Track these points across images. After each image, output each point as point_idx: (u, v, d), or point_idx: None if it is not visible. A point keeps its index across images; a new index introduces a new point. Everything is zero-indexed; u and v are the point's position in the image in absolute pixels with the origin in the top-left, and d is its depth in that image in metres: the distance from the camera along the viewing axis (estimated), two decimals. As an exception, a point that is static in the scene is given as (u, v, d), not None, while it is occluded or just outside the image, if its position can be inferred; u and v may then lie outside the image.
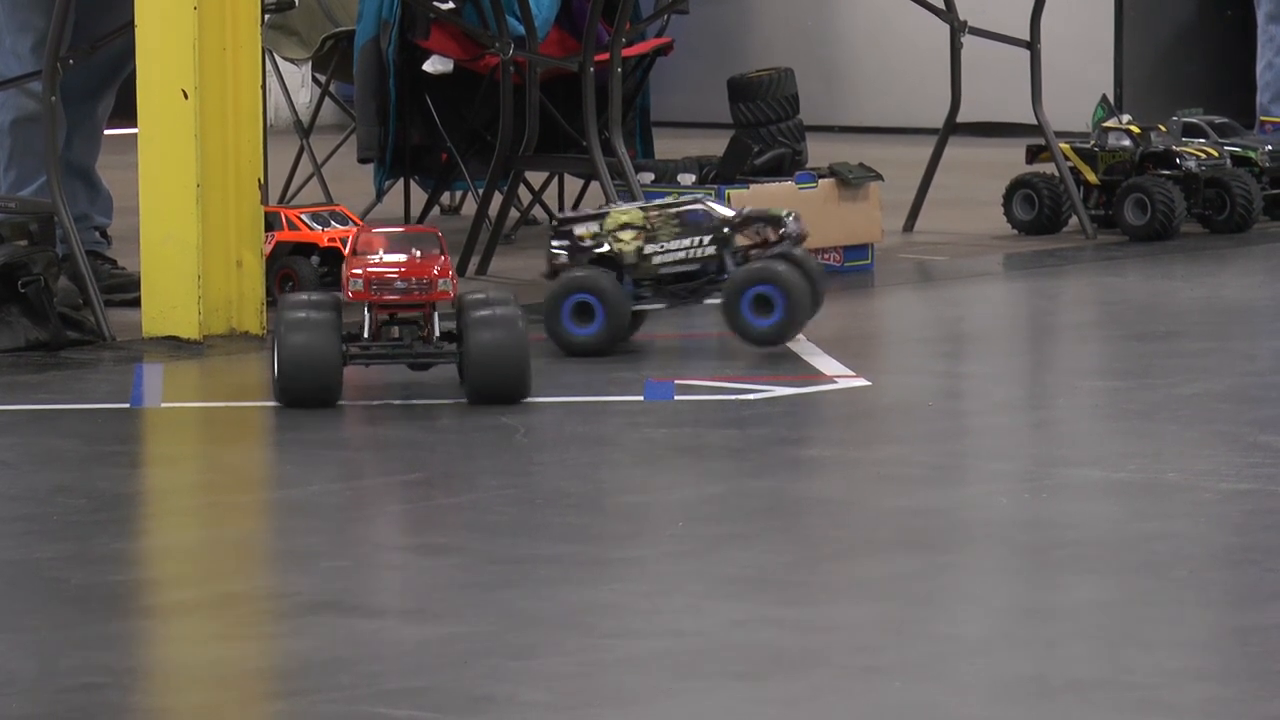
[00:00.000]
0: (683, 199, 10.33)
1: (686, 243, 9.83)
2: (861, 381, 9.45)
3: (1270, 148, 12.62)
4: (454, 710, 5.52)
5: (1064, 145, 12.48)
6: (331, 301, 7.02)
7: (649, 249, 9.80)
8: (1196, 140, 12.47)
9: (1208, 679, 5.83)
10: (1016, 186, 12.58)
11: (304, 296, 7.03)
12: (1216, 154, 12.38)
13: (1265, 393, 9.85)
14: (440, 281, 6.52)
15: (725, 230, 9.94)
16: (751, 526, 7.84)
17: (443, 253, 6.79)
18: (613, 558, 7.18)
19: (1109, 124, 12.66)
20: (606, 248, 9.73)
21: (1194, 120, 12.83)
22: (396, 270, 6.59)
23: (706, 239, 9.87)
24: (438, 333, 6.60)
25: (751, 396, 9.26)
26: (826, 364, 9.58)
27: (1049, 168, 12.55)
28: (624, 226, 9.78)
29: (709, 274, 9.96)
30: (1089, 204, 12.34)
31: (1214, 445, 9.12)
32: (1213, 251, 12.09)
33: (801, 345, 9.88)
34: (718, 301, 9.87)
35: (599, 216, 9.93)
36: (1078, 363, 11.07)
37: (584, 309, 9.43)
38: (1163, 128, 12.59)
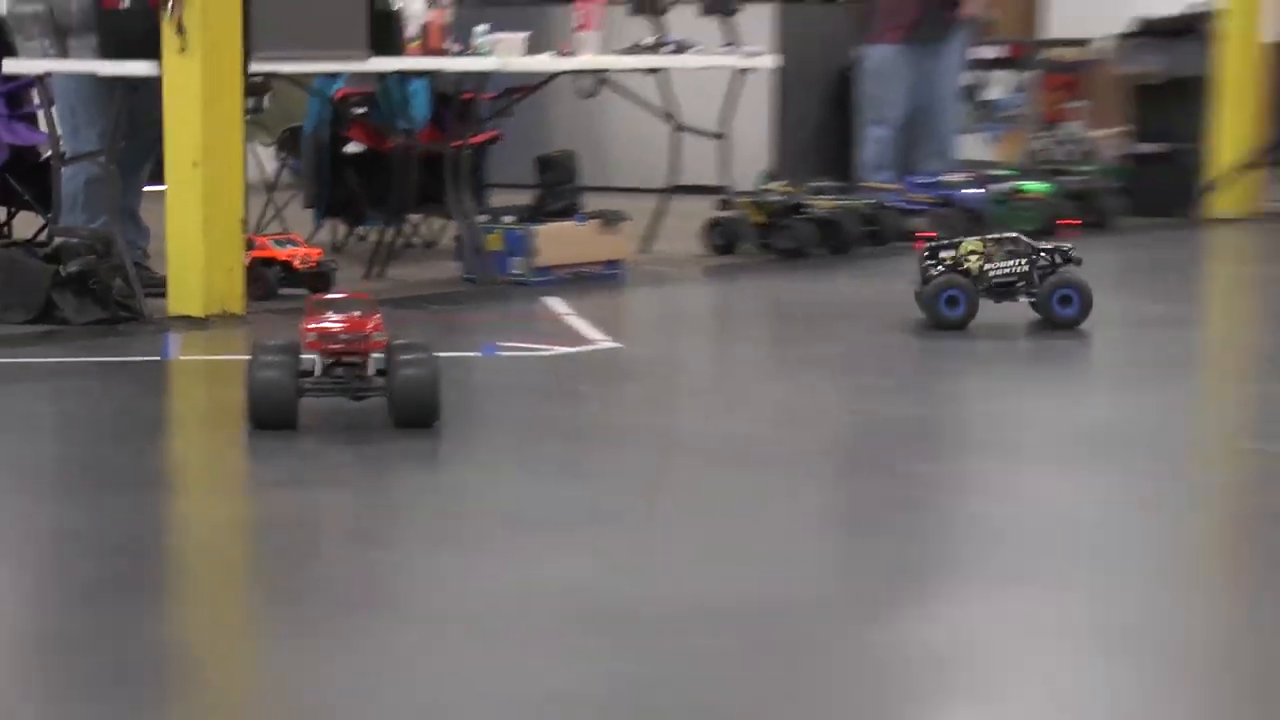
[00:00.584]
0: (1005, 235, 10.57)
1: (1010, 263, 10.16)
2: (616, 345, 9.48)
3: (869, 201, 12.70)
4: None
5: (742, 199, 12.50)
6: (291, 348, 6.81)
7: (987, 266, 10.17)
8: (822, 196, 12.53)
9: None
10: (712, 224, 12.61)
11: (270, 343, 6.90)
12: (834, 205, 12.45)
13: (868, 353, 9.88)
14: (374, 334, 6.51)
15: (1033, 254, 10.19)
16: (544, 434, 7.92)
17: (376, 312, 6.68)
18: (455, 451, 7.24)
19: (768, 186, 12.72)
20: (962, 265, 10.13)
21: (820, 184, 12.90)
22: (340, 326, 6.53)
23: (1023, 260, 10.13)
24: (372, 372, 6.54)
25: (546, 354, 9.26)
26: (594, 333, 9.60)
27: (734, 212, 12.62)
28: (971, 251, 10.20)
29: (1023, 281, 10.17)
30: (756, 236, 12.36)
31: (833, 379, 9.18)
32: (832, 266, 12.10)
33: (576, 321, 9.89)
34: (1030, 300, 10.13)
35: (955, 245, 10.32)
36: (750, 333, 11.05)
37: (952, 300, 10.02)
38: (799, 189, 12.66)
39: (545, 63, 11.91)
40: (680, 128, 12.58)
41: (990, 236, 10.66)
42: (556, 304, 10.49)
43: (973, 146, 15.35)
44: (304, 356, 6.79)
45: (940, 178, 13.50)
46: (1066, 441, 7.63)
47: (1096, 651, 4.92)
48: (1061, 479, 6.92)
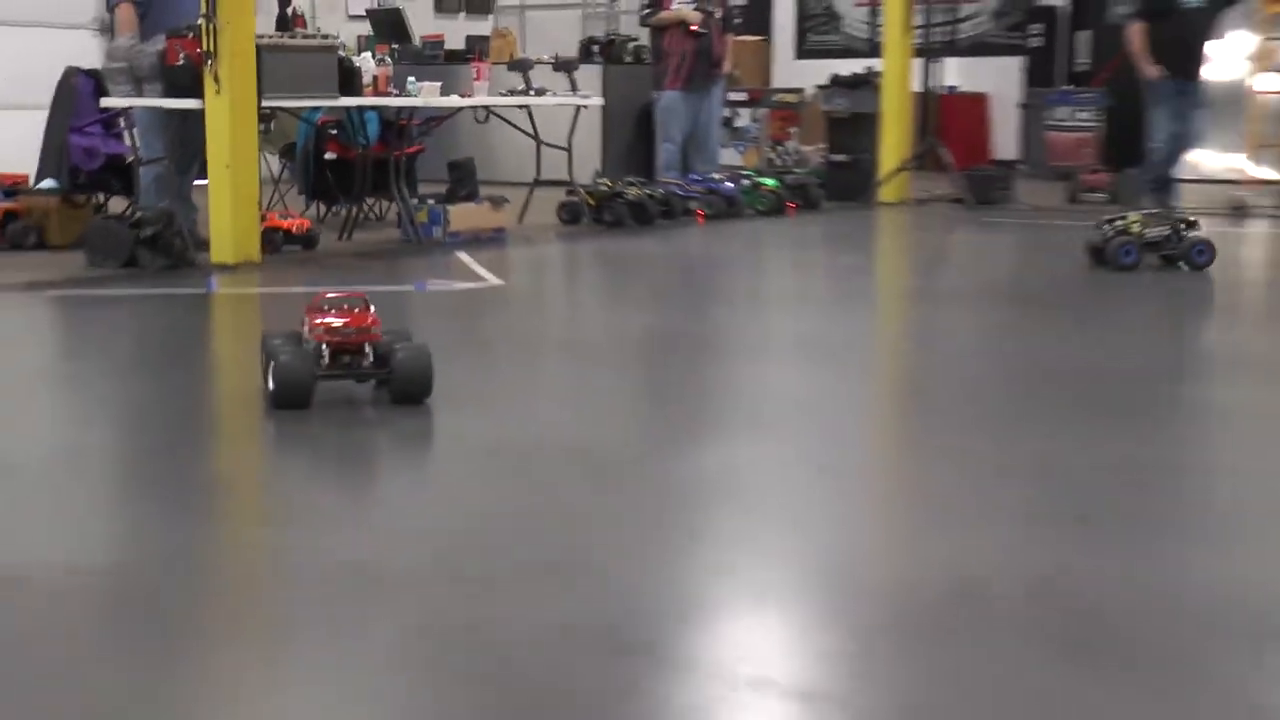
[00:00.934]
0: (1157, 211, 10.62)
1: (1160, 228, 9.90)
2: (501, 282, 9.47)
3: (663, 191, 12.64)
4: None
5: (581, 189, 12.42)
6: (295, 337, 5.77)
7: (1145, 230, 9.86)
8: (633, 187, 12.46)
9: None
10: (562, 205, 12.49)
11: (277, 335, 5.83)
12: (640, 193, 12.37)
13: (664, 287, 9.89)
14: (373, 329, 5.61)
15: (1175, 224, 9.97)
16: (459, 338, 7.92)
17: (370, 308, 5.75)
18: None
19: (598, 181, 12.68)
20: (1130, 230, 9.83)
21: (631, 180, 12.83)
22: (344, 321, 5.60)
23: (1167, 226, 9.91)
24: (371, 359, 5.59)
25: (457, 288, 9.25)
26: (487, 275, 9.58)
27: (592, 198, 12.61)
28: (1134, 222, 9.95)
29: (1168, 240, 9.89)
30: (590, 214, 12.28)
31: (641, 303, 9.20)
32: (639, 233, 12.06)
33: (476, 267, 9.87)
34: (1172, 252, 9.90)
35: (1124, 217, 10.14)
36: (588, 275, 11.00)
37: (1127, 252, 9.69)
38: (618, 182, 12.60)
39: (453, 101, 11.98)
40: (541, 143, 12.56)
41: (1147, 211, 10.68)
42: (464, 256, 10.40)
43: (729, 157, 15.35)
44: (312, 345, 5.66)
45: (708, 176, 13.53)
46: (789, 346, 7.68)
47: (816, 478, 5.00)
48: (788, 370, 6.95)
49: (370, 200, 12.22)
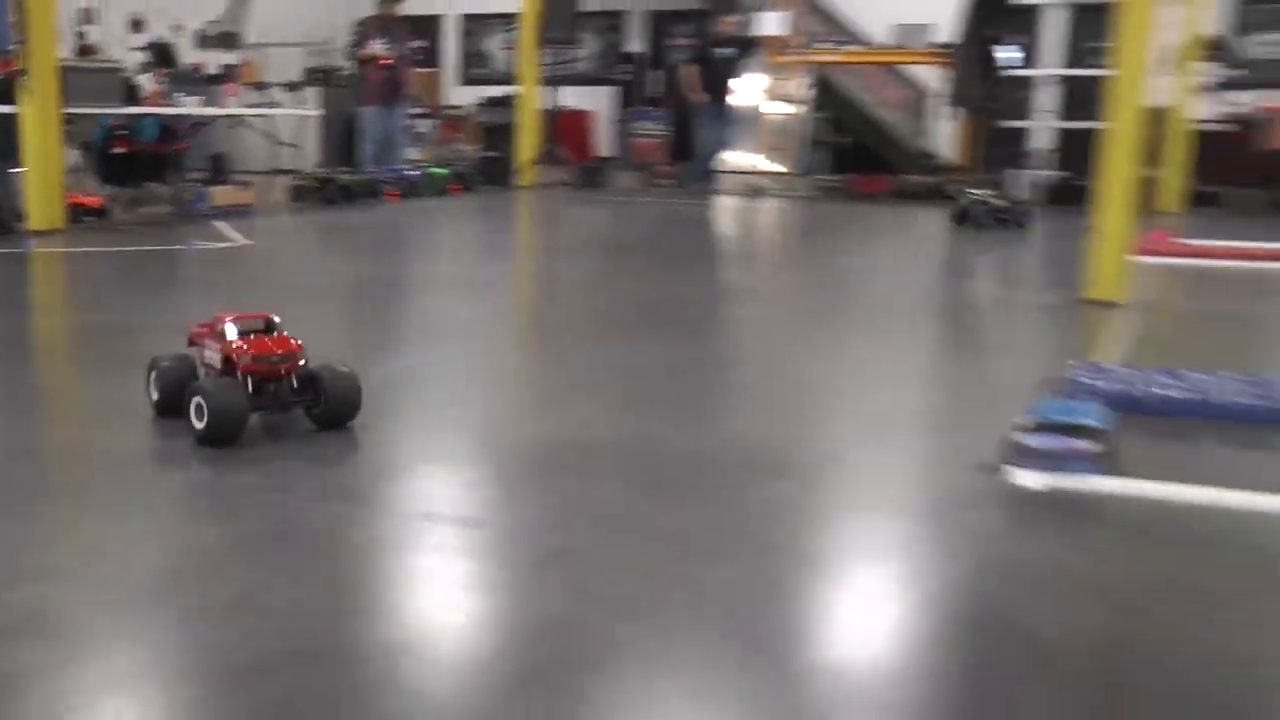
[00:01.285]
0: (992, 190, 10.50)
1: (1002, 202, 10.05)
2: (250, 242, 9.21)
3: (366, 177, 12.38)
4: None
5: (308, 175, 12.07)
6: (188, 360, 4.03)
7: (992, 201, 9.91)
8: (344, 174, 12.15)
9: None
10: (294, 188, 12.07)
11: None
12: (350, 178, 12.11)
13: (371, 242, 9.68)
14: (298, 353, 3.89)
15: (1008, 200, 10.10)
16: (215, 284, 7.56)
17: (285, 330, 4.02)
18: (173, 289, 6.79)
19: (320, 170, 12.36)
20: (985, 201, 9.87)
21: (343, 169, 12.50)
22: (271, 348, 3.88)
23: (1006, 200, 10.10)
24: (294, 386, 3.90)
25: (217, 246, 8.96)
26: (240, 238, 9.31)
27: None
28: (983, 193, 10.13)
29: (1005, 211, 9.93)
30: (315, 194, 11.88)
31: (352, 256, 9.01)
32: (350, 208, 11.77)
33: (231, 232, 9.58)
34: (1007, 217, 10.01)
35: (976, 190, 10.20)
36: (313, 238, 10.49)
37: (976, 216, 9.75)
38: (334, 171, 12.26)
39: (211, 111, 11.57)
40: (279, 142, 12.21)
41: (989, 190, 10.56)
42: (221, 225, 10.07)
43: (412, 153, 15.16)
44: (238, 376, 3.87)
45: (396, 167, 13.36)
46: (452, 284, 7.51)
47: (472, 374, 5.03)
48: (451, 300, 6.87)
49: (150, 183, 11.72)
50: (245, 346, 3.90)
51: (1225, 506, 3.27)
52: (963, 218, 10.37)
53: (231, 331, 3.94)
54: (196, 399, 3.71)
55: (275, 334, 4.00)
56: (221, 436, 3.69)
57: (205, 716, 2.15)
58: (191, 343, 4.12)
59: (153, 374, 4.04)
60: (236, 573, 2.75)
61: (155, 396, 4.02)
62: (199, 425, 3.70)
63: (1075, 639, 2.49)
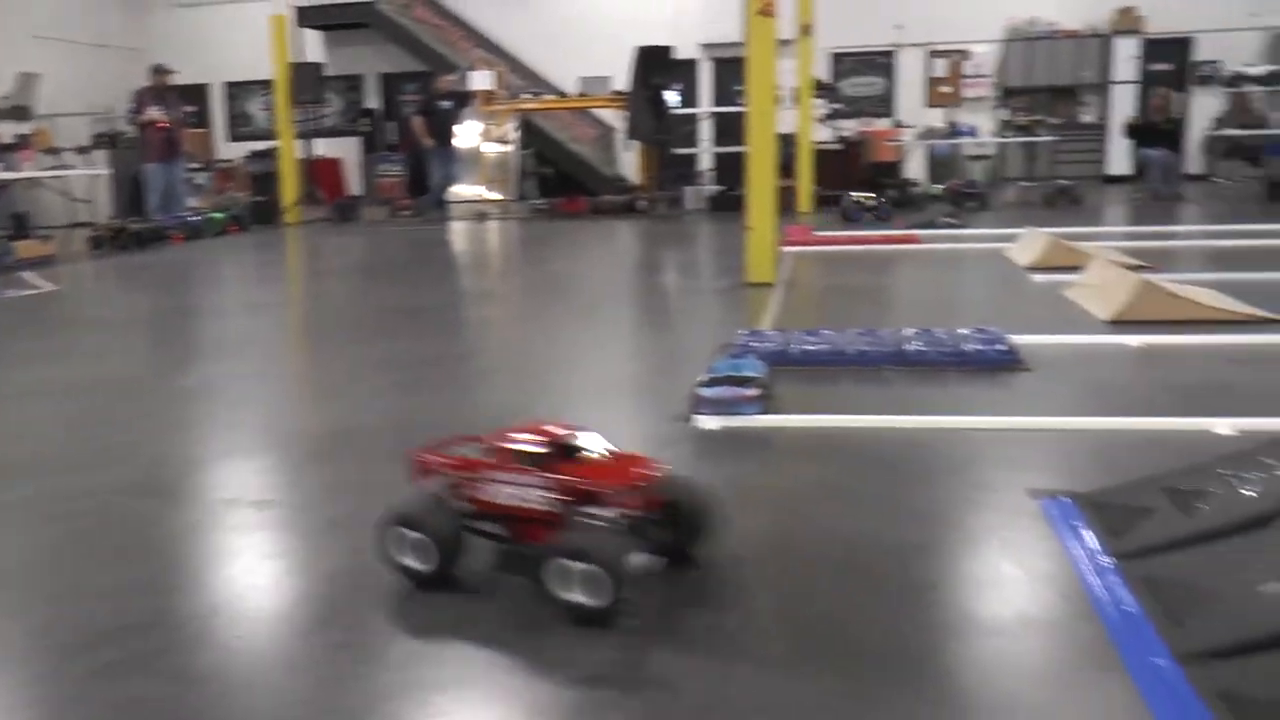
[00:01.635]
0: (872, 195, 9.40)
1: (878, 200, 8.98)
2: (55, 288, 8.51)
3: (154, 226, 11.56)
4: None
5: (103, 227, 11.23)
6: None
7: (868, 203, 8.94)
8: (135, 223, 11.31)
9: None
10: (91, 239, 11.14)
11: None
12: (142, 226, 11.20)
13: (168, 281, 9.08)
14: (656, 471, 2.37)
15: (882, 200, 9.00)
16: (34, 321, 7.02)
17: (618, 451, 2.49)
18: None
19: (113, 220, 11.48)
20: (862, 203, 8.91)
21: (135, 219, 11.66)
22: (641, 477, 2.35)
23: (882, 200, 9.18)
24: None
25: (25, 294, 8.24)
26: (45, 284, 8.62)
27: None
28: (862, 197, 8.98)
29: (881, 209, 9.00)
30: (111, 242, 11.04)
31: (148, 297, 8.50)
32: (145, 252, 11.03)
33: (35, 279, 8.82)
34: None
35: (857, 197, 9.20)
36: (132, 282, 9.84)
37: (860, 216, 8.82)
38: (127, 220, 11.43)
39: (10, 175, 10.65)
40: (74, 198, 11.37)
41: (867, 194, 9.88)
42: (29, 275, 9.27)
43: (191, 201, 14.35)
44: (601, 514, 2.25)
45: (179, 214, 12.61)
46: (242, 306, 7.17)
47: (259, 379, 4.80)
48: (240, 320, 6.52)
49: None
50: (614, 480, 2.31)
51: (857, 427, 3.51)
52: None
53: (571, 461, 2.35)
54: (580, 562, 2.14)
55: (618, 453, 2.43)
56: (590, 616, 2.15)
57: (53, 682, 2.11)
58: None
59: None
60: (72, 563, 2.68)
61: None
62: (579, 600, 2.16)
63: (753, 531, 2.67)
